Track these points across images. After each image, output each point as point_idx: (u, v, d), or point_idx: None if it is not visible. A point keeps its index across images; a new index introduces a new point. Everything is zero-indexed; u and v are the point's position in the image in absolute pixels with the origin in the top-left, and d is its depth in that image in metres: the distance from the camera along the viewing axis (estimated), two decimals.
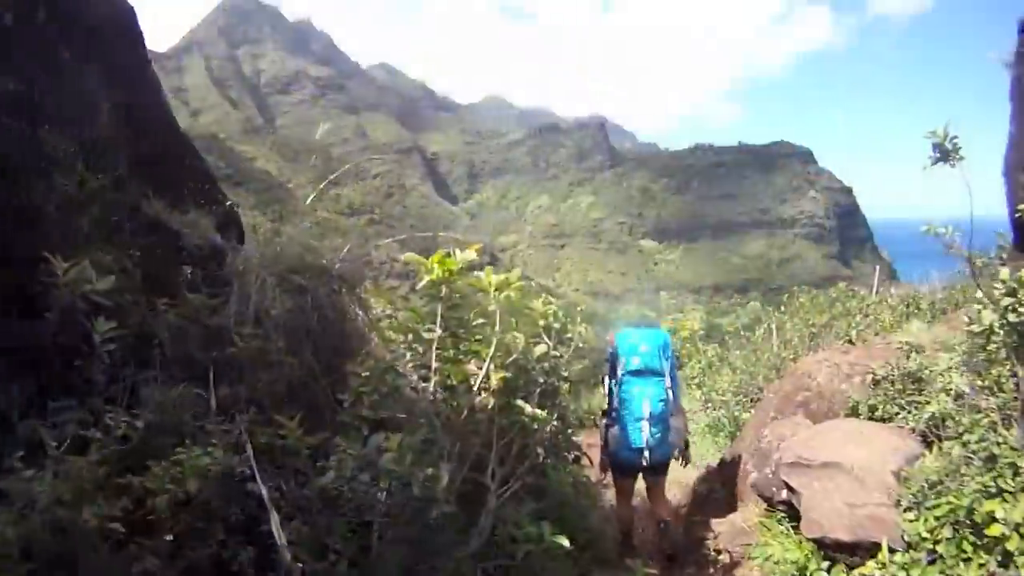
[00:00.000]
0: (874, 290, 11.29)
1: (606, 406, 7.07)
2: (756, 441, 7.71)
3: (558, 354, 5.59)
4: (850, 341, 8.76)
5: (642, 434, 6.56)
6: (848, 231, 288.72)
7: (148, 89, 6.98)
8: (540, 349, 5.17)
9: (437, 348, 4.68)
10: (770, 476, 6.79)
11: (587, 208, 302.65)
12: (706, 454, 10.21)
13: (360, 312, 5.91)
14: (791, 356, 9.71)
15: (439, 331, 4.66)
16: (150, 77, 7.08)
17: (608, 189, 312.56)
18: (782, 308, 12.28)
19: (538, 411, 4.88)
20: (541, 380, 5.25)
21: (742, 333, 12.69)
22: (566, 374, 5.76)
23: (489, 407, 4.69)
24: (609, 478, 7.53)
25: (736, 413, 9.94)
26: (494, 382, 4.64)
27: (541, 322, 5.54)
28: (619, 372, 6.86)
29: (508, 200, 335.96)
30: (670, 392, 6.74)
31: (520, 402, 4.81)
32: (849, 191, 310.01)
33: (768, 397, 8.90)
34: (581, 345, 6.07)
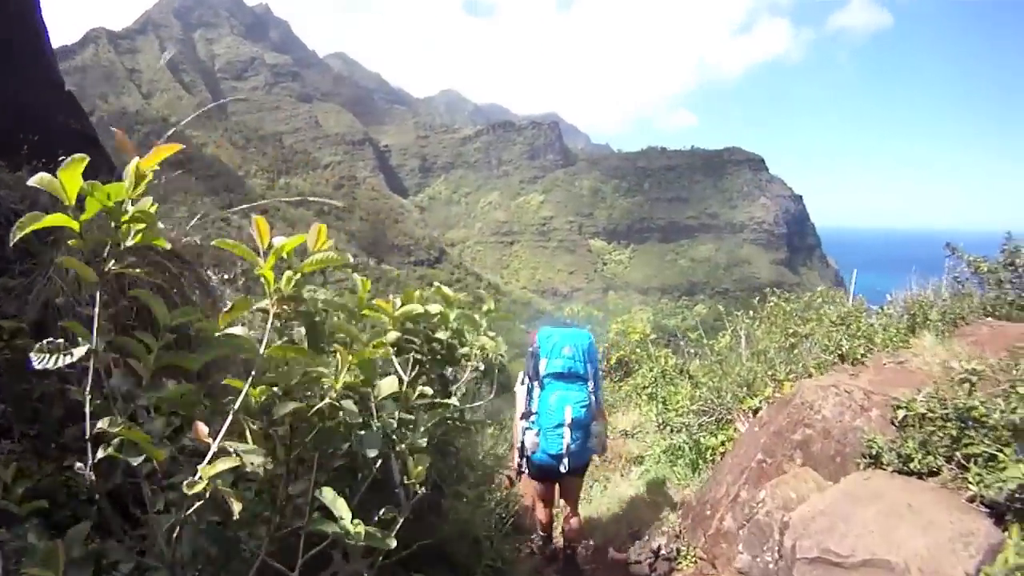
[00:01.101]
0: (850, 297, 9.84)
1: (522, 408, 6.51)
2: (743, 503, 5.89)
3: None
4: (841, 357, 7.42)
5: (563, 440, 6.08)
6: (797, 238, 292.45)
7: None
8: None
9: None
10: (774, 568, 5.16)
11: (538, 206, 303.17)
12: (664, 489, 8.61)
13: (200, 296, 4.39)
14: (768, 372, 8.19)
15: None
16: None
17: (559, 188, 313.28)
18: (751, 313, 10.61)
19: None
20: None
21: (703, 340, 10.89)
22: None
23: None
24: (524, 482, 6.93)
25: (699, 438, 8.44)
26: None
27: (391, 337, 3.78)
28: (540, 373, 6.32)
29: (459, 195, 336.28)
30: (592, 396, 6.23)
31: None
32: (799, 199, 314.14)
33: (752, 432, 6.67)
34: (480, 366, 4.69)
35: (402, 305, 3.69)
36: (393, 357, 3.70)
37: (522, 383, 6.60)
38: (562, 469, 6.10)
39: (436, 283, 4.29)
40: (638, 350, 15.99)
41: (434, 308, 3.91)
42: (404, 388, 3.02)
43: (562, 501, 7.01)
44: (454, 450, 4.92)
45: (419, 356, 3.86)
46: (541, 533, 7.22)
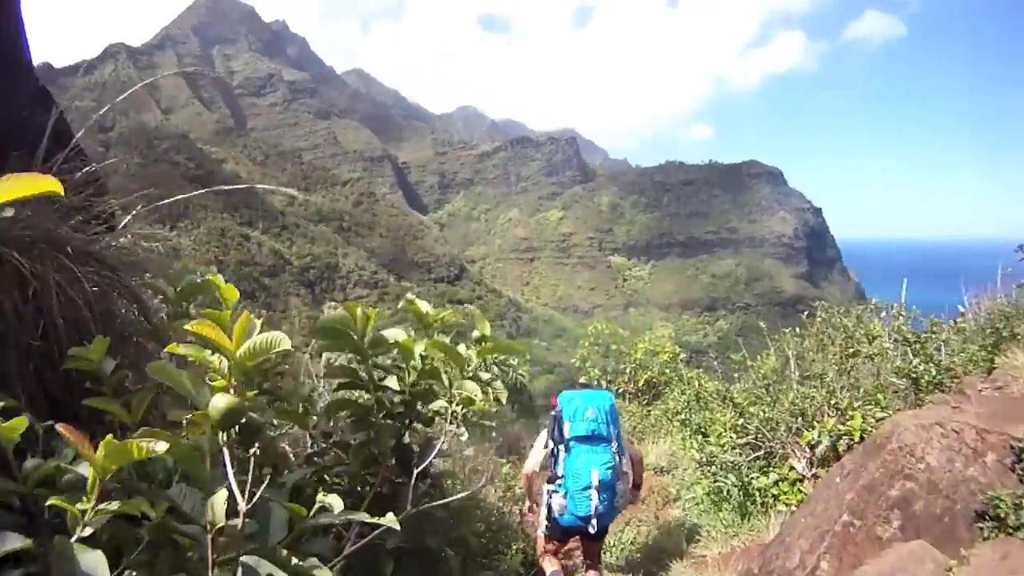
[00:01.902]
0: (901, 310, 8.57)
1: (532, 466, 6.63)
2: None
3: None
4: (915, 381, 6.28)
5: (591, 503, 5.96)
6: (817, 251, 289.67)
7: None
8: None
9: None
10: None
11: (557, 222, 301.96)
12: (707, 539, 7.07)
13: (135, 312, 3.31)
14: (828, 400, 6.93)
15: None
16: None
17: (578, 204, 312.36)
18: (798, 329, 9.33)
19: None
20: None
21: (746, 360, 9.56)
22: None
23: None
24: (541, 541, 6.80)
25: (749, 478, 7.17)
26: None
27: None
28: (565, 437, 6.20)
29: (478, 212, 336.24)
30: (618, 457, 6.14)
31: None
32: (818, 211, 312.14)
33: (832, 483, 5.03)
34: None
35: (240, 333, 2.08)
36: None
37: (545, 446, 6.48)
38: (591, 531, 6.04)
39: (409, 295, 3.08)
40: (667, 371, 14.96)
41: (393, 334, 2.96)
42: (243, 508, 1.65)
43: (581, 557, 7.03)
44: None
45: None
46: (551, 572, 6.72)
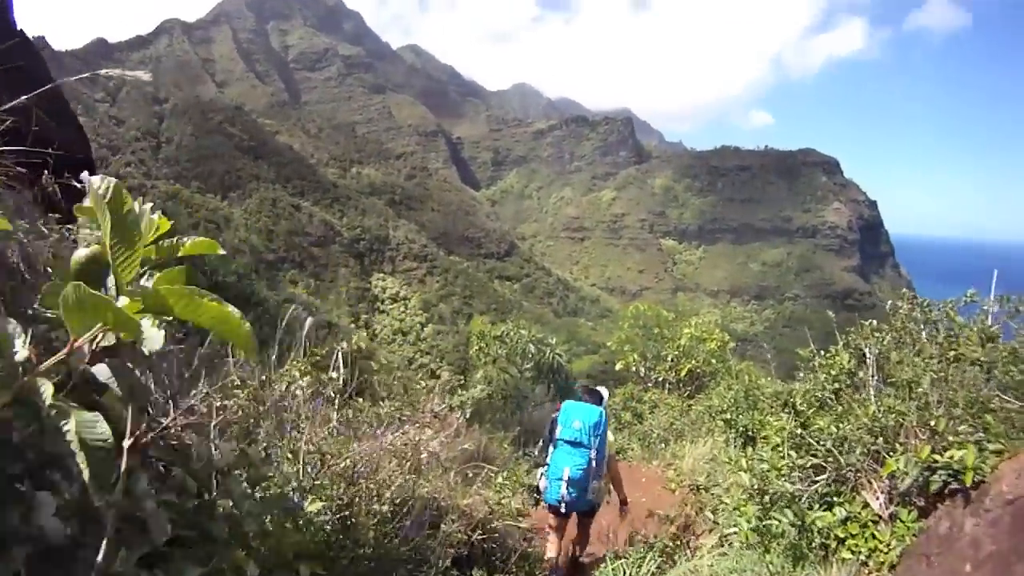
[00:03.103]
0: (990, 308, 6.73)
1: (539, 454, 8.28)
2: None
3: None
4: None
5: (560, 491, 7.58)
6: (870, 245, 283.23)
7: None
8: None
9: None
10: None
11: (609, 203, 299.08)
12: None
13: None
14: (921, 418, 5.15)
15: None
16: None
17: (632, 185, 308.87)
18: (872, 323, 7.43)
19: None
20: None
21: (814, 356, 7.74)
22: None
23: None
24: (541, 512, 8.89)
25: (814, 513, 5.41)
26: None
27: None
28: (555, 436, 7.80)
29: (531, 189, 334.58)
30: (593, 463, 7.56)
31: None
32: (874, 204, 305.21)
33: (959, 524, 3.93)
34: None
35: None
36: None
37: (542, 441, 8.25)
38: (561, 511, 7.76)
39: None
40: (714, 360, 13.46)
41: None
42: None
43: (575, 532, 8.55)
44: None
45: None
46: (549, 555, 8.15)
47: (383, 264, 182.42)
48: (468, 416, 10.38)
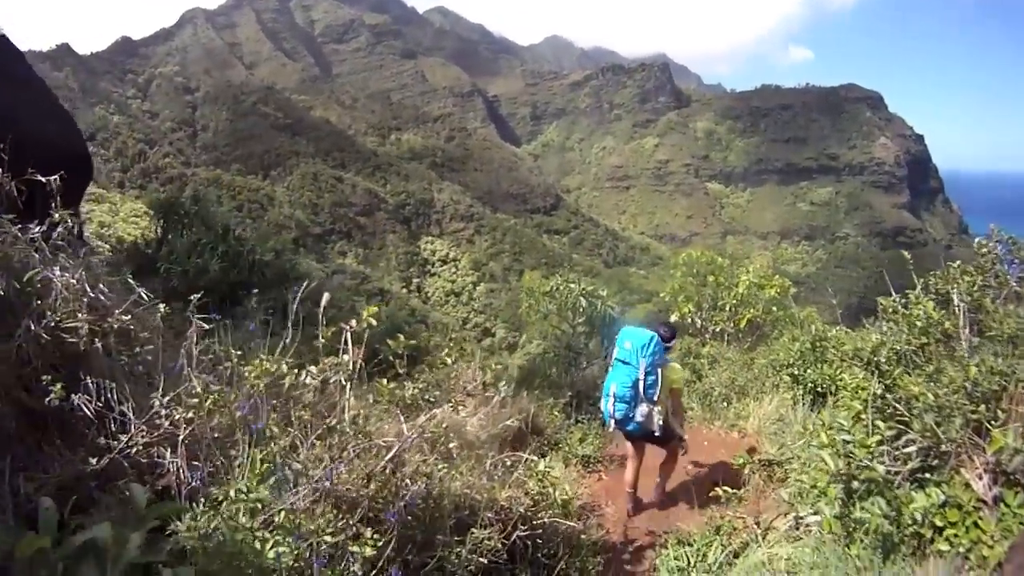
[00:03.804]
0: None
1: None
2: None
3: None
4: None
5: (608, 406, 8.10)
6: (919, 181, 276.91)
7: None
8: None
9: None
10: None
11: (652, 150, 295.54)
12: None
13: None
14: None
15: None
16: None
17: (673, 131, 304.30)
18: (959, 264, 6.27)
19: None
20: None
21: (898, 304, 6.48)
22: None
23: None
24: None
25: (908, 496, 4.41)
26: None
27: None
28: (612, 357, 8.26)
29: (572, 142, 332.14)
30: (640, 383, 7.86)
31: None
32: (920, 139, 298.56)
33: None
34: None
35: None
36: None
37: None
38: (611, 427, 8.38)
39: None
40: (774, 308, 12.56)
41: None
42: None
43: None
44: None
45: None
46: (628, 489, 8.68)
47: (430, 227, 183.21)
48: (513, 386, 9.68)
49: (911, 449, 4.78)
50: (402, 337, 5.16)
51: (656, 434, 8.09)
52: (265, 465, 3.88)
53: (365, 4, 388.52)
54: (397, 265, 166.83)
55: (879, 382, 5.45)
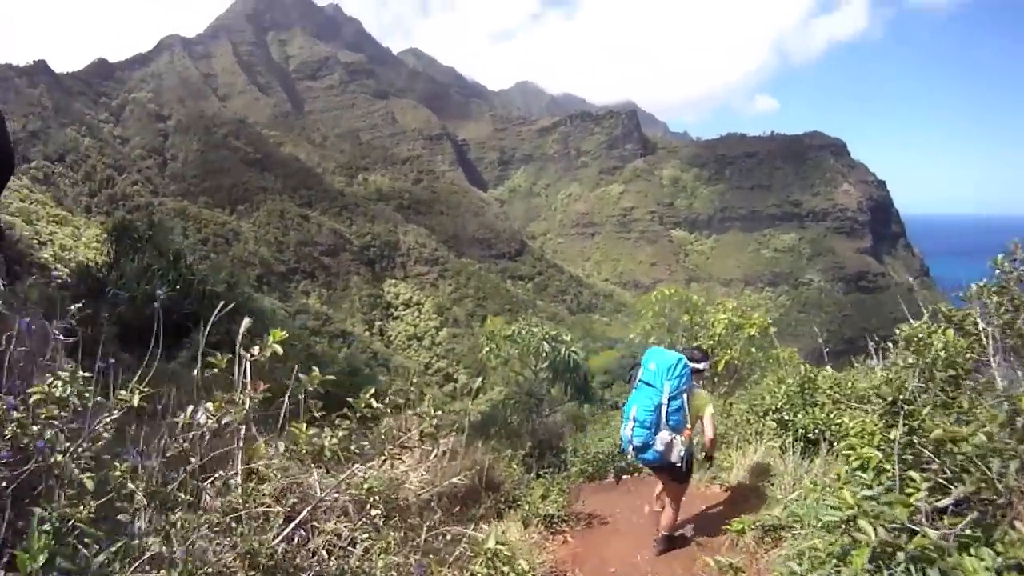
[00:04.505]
0: None
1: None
2: None
3: None
4: None
5: (627, 431, 7.59)
6: (881, 226, 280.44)
7: None
8: None
9: None
10: None
11: (618, 197, 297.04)
12: None
13: None
14: None
15: None
16: None
17: (639, 178, 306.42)
18: (984, 283, 5.37)
19: None
20: None
21: (925, 331, 5.54)
22: None
23: None
24: None
25: (958, 562, 3.42)
26: None
27: None
28: (636, 379, 7.73)
29: (539, 187, 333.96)
30: (663, 407, 7.35)
31: None
32: (883, 184, 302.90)
33: None
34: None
35: None
36: None
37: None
38: (629, 456, 7.84)
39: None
40: (753, 350, 11.58)
41: None
42: None
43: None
44: None
45: None
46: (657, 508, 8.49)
47: (394, 270, 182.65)
48: (465, 435, 8.46)
49: (946, 502, 3.79)
50: (317, 371, 4.05)
51: (677, 466, 7.54)
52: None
53: (341, 42, 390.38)
54: (360, 307, 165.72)
55: (905, 424, 4.45)
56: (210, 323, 4.77)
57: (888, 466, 4.24)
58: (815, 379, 8.95)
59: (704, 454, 8.04)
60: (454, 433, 7.00)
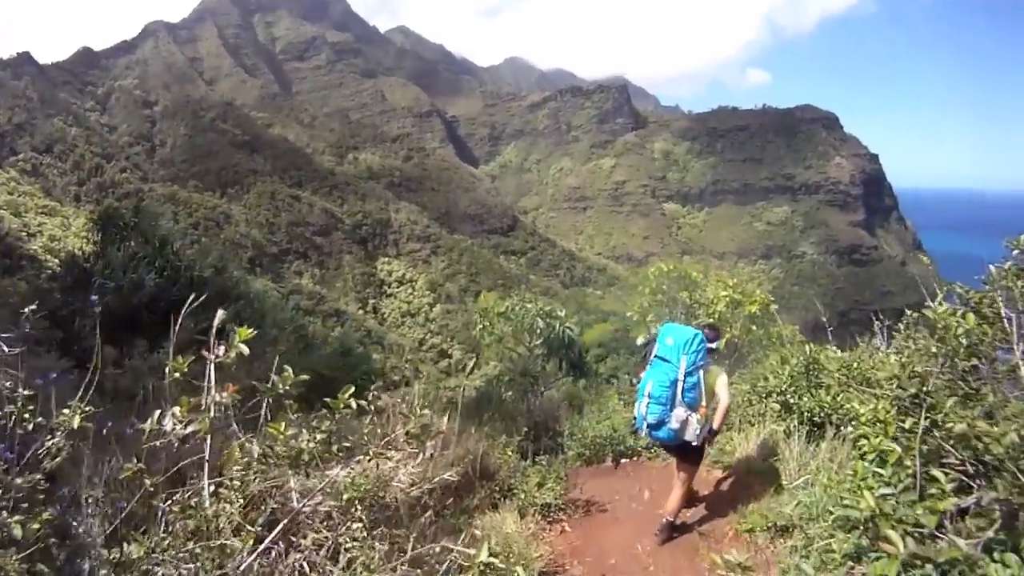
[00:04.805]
0: None
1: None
2: None
3: None
4: None
5: (641, 408, 7.44)
6: (873, 199, 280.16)
7: None
8: None
9: None
10: None
11: (609, 171, 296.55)
12: None
13: None
14: None
15: None
16: None
17: (630, 152, 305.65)
18: (1010, 265, 4.99)
19: None
20: None
21: (944, 312, 5.19)
22: None
23: None
24: None
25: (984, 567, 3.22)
26: None
27: None
28: (652, 354, 7.58)
29: (530, 163, 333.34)
30: (679, 382, 7.23)
31: None
32: (875, 158, 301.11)
33: None
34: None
35: None
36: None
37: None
38: (643, 433, 7.77)
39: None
40: (754, 328, 11.27)
41: None
42: None
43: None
44: None
45: None
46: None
47: (387, 247, 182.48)
48: (458, 422, 8.13)
49: (968, 502, 3.51)
50: (290, 372, 3.72)
51: (693, 444, 7.47)
52: None
53: (328, 22, 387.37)
54: (354, 286, 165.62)
55: (926, 417, 4.14)
56: (182, 316, 4.49)
57: (908, 461, 3.96)
58: (820, 360, 8.67)
59: (710, 428, 7.58)
60: (446, 419, 6.65)
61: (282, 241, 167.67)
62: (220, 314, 4.48)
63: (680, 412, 7.19)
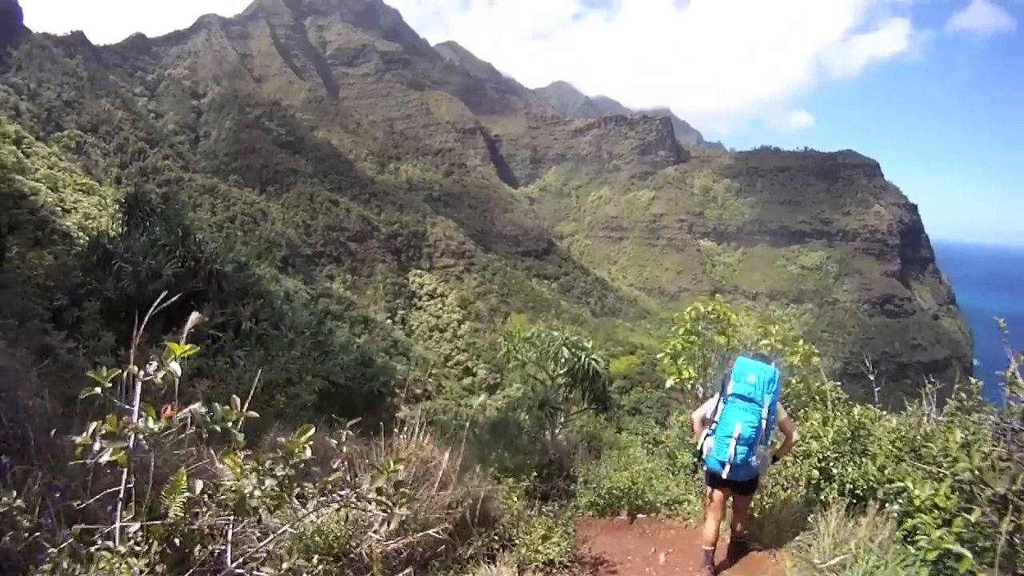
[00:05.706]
0: None
1: (703, 413, 7.72)
2: None
3: None
4: None
5: (728, 450, 7.13)
6: (910, 249, 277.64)
7: None
8: None
9: None
10: None
11: (648, 203, 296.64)
12: None
13: None
14: None
15: None
16: None
17: (670, 185, 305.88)
18: None
19: None
20: None
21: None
22: None
23: None
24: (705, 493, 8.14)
25: None
26: None
27: None
28: (727, 392, 7.31)
29: (569, 188, 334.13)
30: (764, 422, 7.11)
31: None
32: (914, 208, 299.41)
33: None
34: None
35: None
36: None
37: (714, 397, 7.64)
38: (724, 475, 7.26)
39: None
40: (797, 383, 10.40)
41: None
42: None
43: (731, 511, 8.06)
44: None
45: None
46: (707, 548, 7.64)
47: (420, 260, 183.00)
48: (460, 459, 7.22)
49: None
50: (238, 401, 3.24)
51: (757, 478, 7.66)
52: None
53: (378, 30, 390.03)
54: (384, 295, 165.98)
55: (1012, 521, 3.36)
56: (148, 315, 3.74)
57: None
58: (868, 425, 7.83)
59: (774, 457, 7.71)
60: (447, 455, 5.90)
61: (317, 243, 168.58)
62: (194, 316, 3.84)
63: (762, 451, 7.20)
